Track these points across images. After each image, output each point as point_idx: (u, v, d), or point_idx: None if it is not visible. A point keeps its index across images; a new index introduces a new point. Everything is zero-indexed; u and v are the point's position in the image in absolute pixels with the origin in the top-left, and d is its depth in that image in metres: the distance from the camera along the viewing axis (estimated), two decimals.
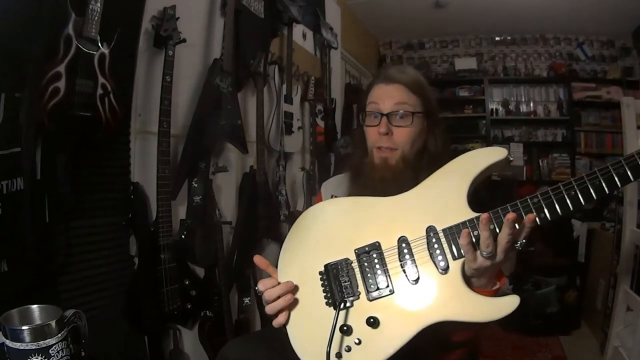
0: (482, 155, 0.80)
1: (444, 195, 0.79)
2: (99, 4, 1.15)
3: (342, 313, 0.75)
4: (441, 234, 0.75)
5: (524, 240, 0.70)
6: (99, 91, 1.19)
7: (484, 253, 0.69)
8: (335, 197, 1.15)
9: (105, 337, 1.28)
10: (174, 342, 1.63)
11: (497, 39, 4.92)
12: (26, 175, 1.06)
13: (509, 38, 4.88)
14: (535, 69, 4.81)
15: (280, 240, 2.28)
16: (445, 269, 0.73)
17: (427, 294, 0.72)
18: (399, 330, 0.71)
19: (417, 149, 1.04)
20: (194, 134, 1.67)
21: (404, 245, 0.78)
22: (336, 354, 0.73)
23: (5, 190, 1.02)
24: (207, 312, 1.71)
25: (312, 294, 0.81)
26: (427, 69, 4.88)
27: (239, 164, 2.12)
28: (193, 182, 1.69)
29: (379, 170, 1.01)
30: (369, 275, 0.77)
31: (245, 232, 1.98)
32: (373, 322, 0.72)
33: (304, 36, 2.87)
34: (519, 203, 0.71)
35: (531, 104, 4.81)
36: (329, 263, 0.82)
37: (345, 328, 0.73)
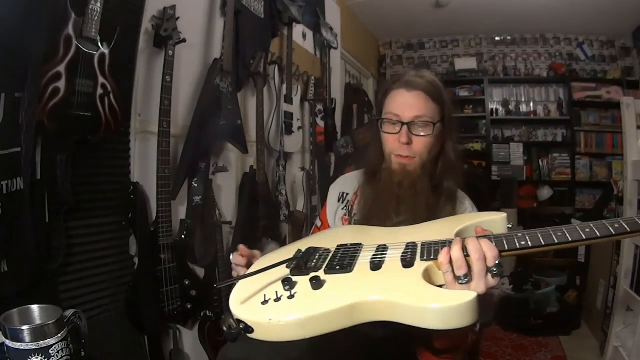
0: (482, 215, 0.87)
1: (436, 229, 0.85)
2: (99, 4, 1.15)
3: (296, 277, 0.73)
4: (419, 246, 0.76)
5: (494, 269, 0.67)
6: (99, 91, 1.19)
7: (460, 277, 0.67)
8: (346, 193, 1.17)
9: (105, 337, 1.28)
10: (174, 342, 1.63)
11: (497, 39, 4.91)
12: (26, 175, 1.06)
13: (509, 38, 4.88)
14: (535, 69, 4.81)
15: (280, 240, 2.28)
16: (409, 265, 0.71)
17: (380, 277, 0.71)
18: (336, 296, 0.68)
19: (434, 156, 1.06)
20: (194, 134, 1.67)
21: (381, 248, 0.80)
22: (263, 301, 0.69)
23: (5, 190, 1.02)
24: (207, 312, 1.71)
25: (278, 259, 0.80)
26: (427, 69, 4.88)
27: (239, 164, 2.12)
28: (193, 182, 1.69)
29: (397, 175, 1.03)
30: (337, 259, 0.79)
31: (245, 232, 1.98)
32: (316, 282, 0.69)
33: (304, 36, 2.86)
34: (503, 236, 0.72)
35: (531, 104, 4.81)
36: (311, 246, 0.85)
37: (286, 281, 0.71)
